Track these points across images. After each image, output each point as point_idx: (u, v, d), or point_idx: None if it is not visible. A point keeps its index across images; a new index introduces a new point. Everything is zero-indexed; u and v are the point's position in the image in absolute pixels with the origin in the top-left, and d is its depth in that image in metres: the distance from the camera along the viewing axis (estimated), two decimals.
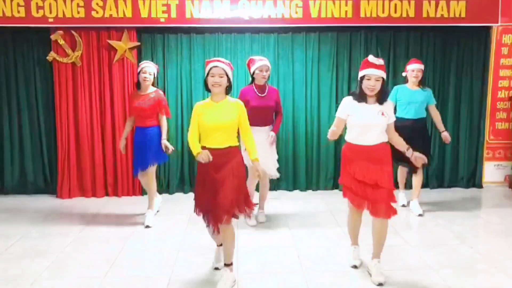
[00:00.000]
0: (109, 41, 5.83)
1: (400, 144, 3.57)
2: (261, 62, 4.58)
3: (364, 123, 3.41)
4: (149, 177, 4.86)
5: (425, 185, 6.33)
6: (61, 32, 5.75)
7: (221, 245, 3.64)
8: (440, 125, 5.24)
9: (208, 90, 3.44)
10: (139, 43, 5.93)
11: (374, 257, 3.57)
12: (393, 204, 3.45)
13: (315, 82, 6.17)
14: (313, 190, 6.27)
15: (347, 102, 3.50)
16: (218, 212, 3.28)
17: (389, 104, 3.52)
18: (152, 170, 4.86)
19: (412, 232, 4.56)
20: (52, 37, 5.76)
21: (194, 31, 5.98)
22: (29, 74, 5.99)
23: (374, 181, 3.39)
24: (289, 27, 6.01)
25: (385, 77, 3.41)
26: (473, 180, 6.44)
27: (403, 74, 5.24)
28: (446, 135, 5.20)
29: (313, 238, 4.45)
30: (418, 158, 3.50)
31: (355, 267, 3.73)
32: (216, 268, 3.69)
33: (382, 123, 3.43)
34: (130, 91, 5.66)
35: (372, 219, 3.51)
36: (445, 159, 6.40)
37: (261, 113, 4.58)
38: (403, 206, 5.35)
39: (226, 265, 3.46)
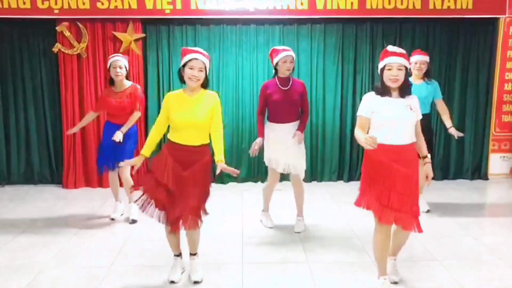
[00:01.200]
0: (114, 33, 5.83)
1: (423, 148, 3.18)
2: (285, 52, 4.15)
3: (394, 119, 2.99)
4: (127, 173, 4.57)
5: None
6: (66, 23, 5.76)
7: (178, 255, 3.44)
8: (448, 121, 4.87)
9: (183, 82, 3.18)
10: (144, 35, 5.94)
11: (391, 254, 3.36)
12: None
13: (320, 74, 6.16)
14: (317, 182, 6.28)
15: (370, 97, 3.12)
16: (186, 213, 3.13)
17: (414, 99, 3.13)
18: (128, 166, 4.50)
19: None
20: (58, 28, 5.77)
21: (199, 23, 5.97)
22: (34, 65, 6.02)
23: (407, 189, 2.99)
24: (294, 19, 5.98)
25: (408, 66, 3.07)
26: (479, 171, 6.42)
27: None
28: (453, 131, 4.82)
29: (318, 229, 4.46)
30: (428, 173, 3.18)
31: None
32: (172, 282, 3.35)
33: (413, 119, 3.05)
34: (103, 89, 5.29)
35: (395, 229, 3.18)
36: (451, 150, 6.38)
37: (284, 109, 4.20)
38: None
39: (193, 254, 3.43)
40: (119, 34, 5.82)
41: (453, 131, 4.83)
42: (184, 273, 3.48)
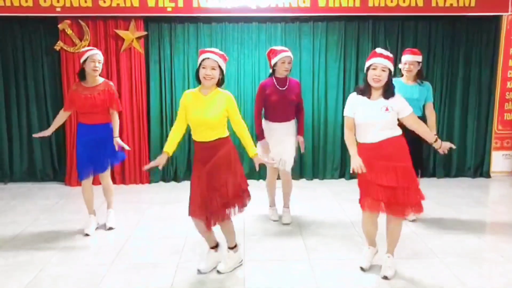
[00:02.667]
0: (116, 31, 5.84)
1: (427, 134, 3.40)
2: (284, 53, 4.18)
3: (365, 121, 3.23)
4: (108, 179, 4.43)
5: (432, 174, 6.34)
6: (68, 21, 5.77)
7: (213, 247, 3.53)
8: (433, 128, 4.35)
9: (199, 82, 3.28)
10: (146, 33, 5.94)
11: (387, 251, 3.47)
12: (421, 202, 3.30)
13: (322, 72, 6.15)
14: (319, 179, 6.29)
15: (352, 98, 3.33)
16: (214, 206, 3.20)
17: (396, 99, 3.24)
18: (109, 171, 4.42)
19: (419, 221, 4.55)
20: (60, 26, 5.78)
21: (201, 21, 5.98)
22: (37, 63, 6.04)
23: (393, 181, 3.17)
24: (296, 17, 5.98)
25: (392, 69, 3.21)
26: (481, 169, 6.42)
27: (399, 66, 4.55)
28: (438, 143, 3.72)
29: (319, 227, 4.46)
30: (444, 148, 3.48)
31: (362, 269, 3.49)
32: (198, 270, 3.47)
33: (386, 119, 3.20)
34: (73, 84, 4.62)
35: (387, 219, 3.39)
36: (452, 148, 6.35)
37: (282, 108, 4.26)
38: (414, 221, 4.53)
39: (230, 248, 3.53)
40: (121, 32, 5.82)
41: (437, 145, 3.93)
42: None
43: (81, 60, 4.10)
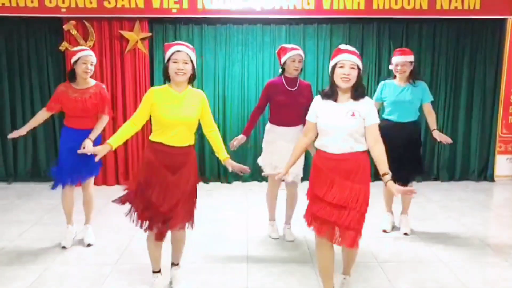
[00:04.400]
0: (121, 32, 5.86)
1: (381, 163, 2.76)
2: (294, 51, 3.90)
3: (327, 126, 2.79)
4: (91, 189, 4.10)
5: (436, 177, 6.34)
6: (73, 22, 5.79)
7: (158, 271, 3.26)
8: (432, 124, 4.17)
9: (168, 79, 2.96)
10: (150, 34, 5.96)
11: (342, 272, 3.17)
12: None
13: (326, 74, 6.14)
14: None
15: (315, 101, 2.91)
16: (175, 218, 2.94)
17: (366, 103, 2.79)
18: (92, 181, 4.11)
19: (422, 224, 4.54)
20: (65, 27, 5.80)
21: (205, 22, 5.99)
22: (41, 64, 6.06)
23: (343, 200, 2.72)
24: (301, 19, 5.99)
25: (361, 66, 2.80)
26: (485, 173, 6.40)
27: (390, 67, 4.32)
28: (437, 134, 4.12)
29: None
30: (394, 191, 2.66)
31: None
32: None
33: (352, 126, 2.74)
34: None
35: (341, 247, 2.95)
36: (457, 151, 6.36)
37: (289, 111, 3.93)
38: (405, 234, 4.26)
39: (175, 264, 3.33)
40: (125, 33, 5.84)
41: (436, 134, 4.12)
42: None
43: (72, 61, 3.79)
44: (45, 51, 6.02)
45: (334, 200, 2.73)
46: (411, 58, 4.11)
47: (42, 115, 4.04)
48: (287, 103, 3.93)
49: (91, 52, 3.86)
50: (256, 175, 6.18)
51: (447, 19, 5.99)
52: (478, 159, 6.38)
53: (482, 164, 6.40)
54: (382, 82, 4.33)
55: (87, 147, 3.66)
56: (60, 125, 6.10)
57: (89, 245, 4.03)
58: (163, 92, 2.94)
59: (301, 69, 4.01)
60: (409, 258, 3.77)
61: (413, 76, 4.13)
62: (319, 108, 2.85)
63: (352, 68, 2.74)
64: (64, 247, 3.96)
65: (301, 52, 3.96)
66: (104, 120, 3.94)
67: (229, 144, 4.04)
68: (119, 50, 5.92)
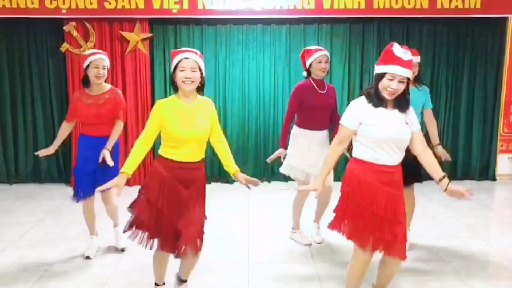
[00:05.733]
0: (122, 32, 5.86)
1: (436, 165, 2.70)
2: (319, 52, 3.78)
3: (390, 136, 2.55)
4: (113, 200, 3.90)
5: None
6: (74, 23, 5.79)
7: (163, 284, 3.13)
8: (435, 137, 4.01)
9: (175, 88, 2.75)
10: (151, 35, 5.95)
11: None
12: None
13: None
14: None
15: (360, 106, 2.63)
16: (190, 235, 2.72)
17: (411, 111, 2.67)
18: (113, 192, 3.77)
19: (423, 224, 4.53)
20: (65, 28, 5.80)
21: (206, 22, 5.99)
22: (42, 65, 6.06)
23: (394, 213, 2.60)
24: (301, 19, 5.98)
25: (411, 77, 2.58)
26: (486, 172, 6.39)
27: None
28: (440, 151, 3.98)
29: (325, 227, 4.44)
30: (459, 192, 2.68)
31: None
32: None
33: (408, 135, 2.61)
34: (77, 90, 4.28)
35: (383, 259, 2.80)
36: (458, 150, 6.35)
37: (320, 114, 3.85)
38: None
39: (183, 281, 3.11)
40: (126, 34, 5.84)
41: (440, 150, 3.98)
42: None
43: (84, 65, 3.61)
44: (45, 53, 6.02)
45: (387, 213, 2.58)
46: (418, 59, 3.88)
47: (64, 129, 3.84)
48: (319, 106, 3.82)
49: (103, 56, 3.66)
50: (258, 175, 6.19)
51: (448, 18, 5.98)
52: (480, 158, 6.36)
53: (484, 163, 6.39)
54: None
55: (106, 157, 3.54)
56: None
57: (122, 249, 3.90)
58: (172, 105, 2.71)
59: (328, 71, 3.90)
60: (410, 257, 3.74)
61: (419, 79, 3.93)
62: (367, 116, 2.58)
63: (401, 82, 2.53)
64: (88, 257, 3.77)
65: (326, 52, 3.85)
66: (120, 126, 3.74)
67: (267, 159, 4.05)
68: (119, 51, 5.93)
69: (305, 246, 4.04)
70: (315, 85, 3.84)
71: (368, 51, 6.11)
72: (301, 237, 4.14)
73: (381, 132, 2.54)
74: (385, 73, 2.53)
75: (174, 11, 5.78)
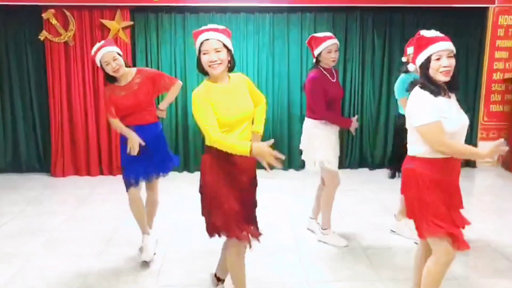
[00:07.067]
0: (102, 21, 5.75)
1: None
2: (329, 41, 3.56)
3: (460, 128, 2.38)
4: (156, 190, 3.67)
5: None
6: (52, 10, 5.66)
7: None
8: None
9: (204, 72, 2.51)
10: (132, 23, 5.86)
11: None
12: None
13: (310, 62, 6.08)
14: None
15: (431, 99, 2.36)
16: (253, 223, 2.63)
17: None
18: (158, 183, 3.66)
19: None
20: (44, 15, 5.67)
21: (188, 10, 5.92)
22: (20, 53, 5.93)
23: (461, 203, 2.58)
24: (284, 7, 5.95)
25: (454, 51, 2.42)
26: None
27: (403, 59, 4.00)
28: None
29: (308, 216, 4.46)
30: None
31: None
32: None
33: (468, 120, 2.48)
34: (103, 89, 4.10)
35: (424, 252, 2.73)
36: None
37: (337, 103, 3.73)
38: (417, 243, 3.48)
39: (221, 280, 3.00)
40: (107, 22, 5.74)
41: None
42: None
43: (97, 64, 3.35)
44: (24, 41, 5.88)
45: (459, 204, 2.56)
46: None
47: (117, 123, 3.38)
48: (336, 95, 3.66)
49: (107, 47, 3.27)
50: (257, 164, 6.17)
51: (430, 8, 6.01)
52: None
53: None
54: (403, 77, 3.83)
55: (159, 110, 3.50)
56: (40, 118, 6.02)
57: (144, 262, 3.45)
58: (210, 91, 2.46)
59: (337, 59, 3.69)
60: (391, 244, 3.80)
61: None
62: (441, 107, 2.35)
63: (450, 57, 2.37)
64: (145, 262, 3.44)
65: (336, 41, 3.62)
66: (177, 86, 3.48)
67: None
68: (100, 39, 5.76)
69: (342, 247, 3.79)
70: (327, 75, 3.65)
71: (351, 40, 6.12)
72: (337, 238, 3.84)
73: (457, 124, 2.37)
74: (430, 56, 2.37)
75: None
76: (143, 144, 3.32)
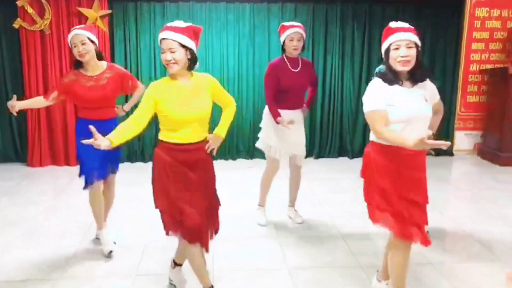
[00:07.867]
0: (79, 9, 5.66)
1: (435, 125, 2.74)
2: (291, 29, 3.58)
3: (410, 116, 2.39)
4: (112, 186, 3.62)
5: None
6: None
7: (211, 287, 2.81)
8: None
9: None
10: (110, 11, 5.78)
11: (386, 278, 2.83)
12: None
13: None
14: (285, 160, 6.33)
15: (380, 86, 2.43)
16: (211, 218, 2.67)
17: (426, 84, 2.51)
18: (115, 178, 3.61)
19: None
20: (19, 3, 5.56)
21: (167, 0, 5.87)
22: None
23: (420, 195, 2.52)
24: None
25: (419, 44, 2.42)
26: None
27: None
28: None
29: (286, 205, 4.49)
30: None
31: None
32: None
33: (430, 113, 2.48)
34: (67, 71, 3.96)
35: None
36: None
37: (294, 94, 3.70)
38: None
39: (179, 265, 3.02)
40: (84, 10, 5.65)
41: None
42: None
43: (70, 47, 3.23)
44: None
45: (414, 196, 2.48)
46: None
47: (38, 103, 3.41)
48: (293, 86, 3.66)
49: (77, 31, 3.16)
50: (220, 153, 6.18)
51: (409, 1, 6.07)
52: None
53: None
54: (382, 66, 3.79)
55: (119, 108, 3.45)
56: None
57: (110, 252, 3.41)
58: (166, 86, 2.50)
59: (303, 48, 3.70)
60: (368, 231, 3.82)
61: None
62: (389, 96, 2.39)
63: (410, 47, 2.37)
64: (111, 252, 3.40)
65: (300, 30, 3.62)
66: (141, 90, 3.42)
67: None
68: None
69: (260, 226, 3.99)
70: (288, 63, 3.68)
71: (332, 32, 6.15)
72: (261, 216, 4.06)
73: (406, 112, 2.38)
74: (390, 45, 2.41)
75: None
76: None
